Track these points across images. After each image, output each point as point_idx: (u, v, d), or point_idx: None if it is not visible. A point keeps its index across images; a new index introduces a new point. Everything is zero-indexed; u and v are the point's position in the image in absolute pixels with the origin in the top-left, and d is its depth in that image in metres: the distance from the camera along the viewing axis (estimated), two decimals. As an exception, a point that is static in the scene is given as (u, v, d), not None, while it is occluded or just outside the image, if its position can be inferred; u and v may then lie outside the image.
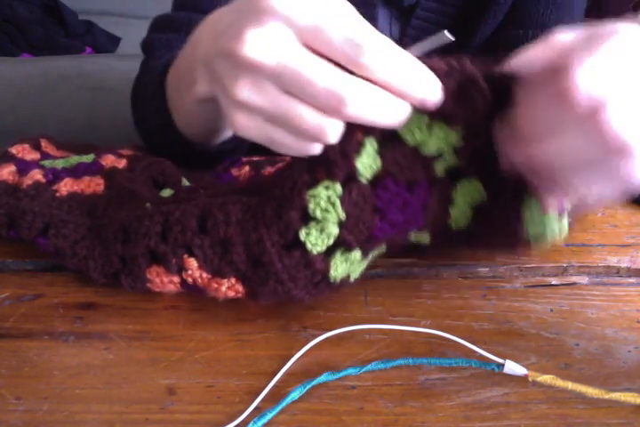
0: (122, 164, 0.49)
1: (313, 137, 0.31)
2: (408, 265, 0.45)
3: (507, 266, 0.46)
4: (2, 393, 0.34)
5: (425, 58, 0.32)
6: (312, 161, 0.35)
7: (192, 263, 0.38)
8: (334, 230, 0.35)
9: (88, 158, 0.49)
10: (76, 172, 0.48)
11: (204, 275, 0.38)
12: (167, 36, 0.61)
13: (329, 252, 0.36)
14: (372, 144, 0.34)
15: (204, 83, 0.38)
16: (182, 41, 0.46)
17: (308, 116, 0.30)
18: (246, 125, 0.32)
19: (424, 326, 0.39)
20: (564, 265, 0.46)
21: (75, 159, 0.49)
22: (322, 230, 0.35)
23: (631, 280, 0.45)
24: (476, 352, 0.36)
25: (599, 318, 0.42)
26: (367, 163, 0.34)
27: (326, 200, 0.35)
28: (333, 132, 0.30)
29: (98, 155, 0.50)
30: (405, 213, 0.36)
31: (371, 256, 0.39)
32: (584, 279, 0.45)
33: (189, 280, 0.38)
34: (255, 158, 0.53)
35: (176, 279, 0.39)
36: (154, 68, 0.56)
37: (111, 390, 0.35)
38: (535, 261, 0.46)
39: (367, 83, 0.29)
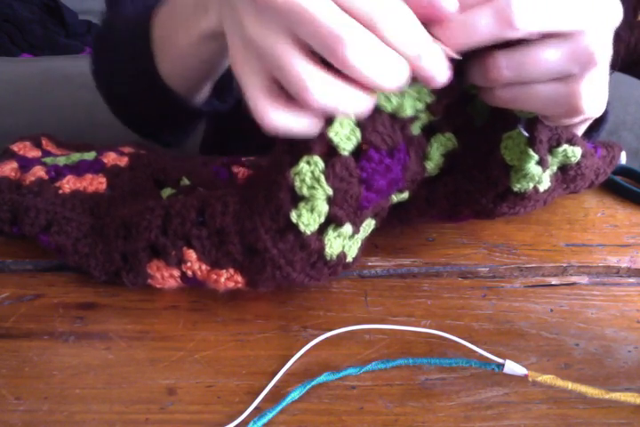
0: (123, 161, 0.49)
1: (298, 89, 0.30)
2: (408, 265, 0.45)
3: (507, 266, 0.46)
4: (2, 393, 0.34)
5: None
6: (289, 140, 0.35)
7: (191, 255, 0.38)
8: (324, 207, 0.35)
9: (90, 155, 0.49)
10: (78, 169, 0.48)
11: (203, 267, 0.38)
12: None
13: (321, 230, 0.36)
14: (348, 115, 0.34)
15: (215, 15, 0.38)
16: None
17: (299, 66, 0.30)
18: (245, 63, 0.32)
19: (424, 326, 0.39)
20: (564, 265, 0.46)
21: (76, 156, 0.49)
22: (312, 209, 0.35)
23: (631, 280, 0.45)
24: (476, 352, 0.36)
25: (599, 318, 0.42)
26: (343, 133, 0.34)
27: (310, 176, 0.34)
28: (318, 88, 0.30)
29: (99, 152, 0.50)
30: (388, 178, 0.36)
31: (362, 231, 0.39)
32: (584, 279, 0.45)
33: (189, 273, 0.39)
34: (252, 158, 0.53)
35: (176, 273, 0.39)
36: (127, 15, 0.54)
37: (111, 390, 0.35)
38: (535, 261, 0.46)
39: (374, 37, 0.29)
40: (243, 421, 0.33)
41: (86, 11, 1.83)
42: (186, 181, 0.47)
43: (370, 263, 0.45)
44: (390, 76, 0.30)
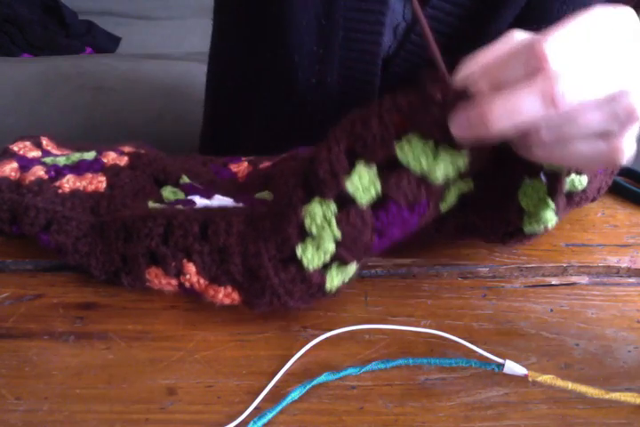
0: (123, 161, 0.49)
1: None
2: (408, 265, 0.45)
3: (507, 266, 0.46)
4: (2, 393, 0.34)
5: (438, 79, 0.32)
6: (306, 177, 0.35)
7: (190, 268, 0.38)
8: (330, 247, 0.35)
9: (90, 155, 0.49)
10: (78, 169, 0.48)
11: (202, 281, 0.38)
12: None
13: (325, 266, 0.36)
14: (368, 167, 0.33)
15: None
16: None
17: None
18: None
19: (424, 326, 0.39)
20: (564, 265, 0.46)
21: (76, 156, 0.49)
22: (318, 247, 0.35)
23: (631, 280, 0.45)
24: (476, 352, 0.36)
25: (599, 318, 0.42)
26: (361, 185, 0.34)
27: (322, 217, 0.34)
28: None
29: (99, 152, 0.50)
30: (404, 228, 0.36)
31: None
32: (584, 279, 0.45)
33: (187, 284, 0.39)
34: (252, 158, 0.53)
35: (174, 282, 0.39)
36: None
37: (111, 390, 0.35)
38: (535, 261, 0.46)
39: None
40: (243, 421, 0.33)
41: (86, 11, 1.83)
42: (186, 179, 0.47)
43: (370, 263, 0.45)
44: None
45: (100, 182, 0.47)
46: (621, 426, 0.34)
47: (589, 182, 0.41)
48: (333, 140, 0.34)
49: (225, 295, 0.38)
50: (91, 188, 0.46)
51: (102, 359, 0.37)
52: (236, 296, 0.38)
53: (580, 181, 0.40)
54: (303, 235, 0.35)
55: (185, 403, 0.34)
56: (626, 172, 0.58)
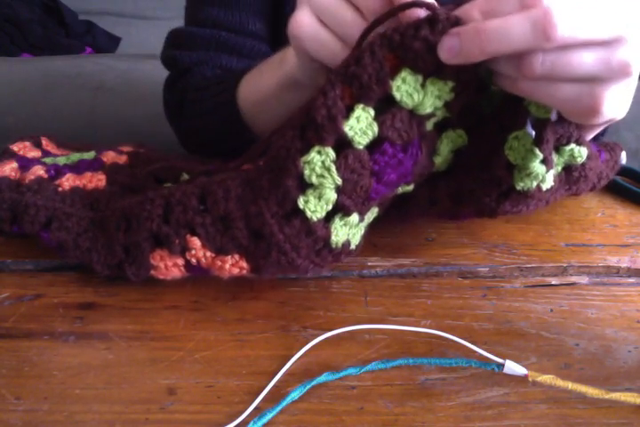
0: (122, 160, 0.49)
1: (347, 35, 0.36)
2: (408, 265, 0.45)
3: (507, 266, 0.46)
4: (2, 393, 0.34)
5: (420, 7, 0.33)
6: (302, 127, 0.35)
7: (195, 242, 0.38)
8: (332, 196, 0.35)
9: (89, 155, 0.50)
10: (77, 168, 0.48)
11: (208, 253, 0.38)
12: (198, 55, 0.65)
13: (328, 217, 0.36)
14: (367, 111, 0.34)
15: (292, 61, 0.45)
16: (216, 59, 0.56)
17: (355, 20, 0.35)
18: (305, 23, 0.38)
19: (424, 326, 0.39)
20: (564, 265, 0.46)
21: (76, 156, 0.49)
22: (320, 197, 0.35)
23: (631, 280, 0.45)
24: (476, 352, 0.36)
25: (599, 318, 0.42)
26: (359, 128, 0.34)
27: (321, 166, 0.35)
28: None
29: (99, 151, 0.50)
30: (399, 172, 0.36)
31: (366, 219, 0.40)
32: (584, 279, 0.45)
33: (193, 261, 0.38)
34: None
35: (180, 261, 0.39)
36: (210, 80, 0.62)
37: (111, 390, 0.35)
38: (535, 261, 0.46)
39: None
40: (243, 421, 0.33)
41: (86, 11, 1.83)
42: (186, 177, 0.47)
43: (370, 263, 0.45)
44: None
45: (99, 180, 0.47)
46: (621, 426, 0.34)
47: (589, 158, 0.41)
48: (329, 85, 0.34)
49: (232, 265, 0.38)
50: (90, 186, 0.46)
51: (102, 359, 0.37)
52: (243, 264, 0.38)
53: (579, 152, 0.40)
54: (303, 186, 0.35)
55: (185, 403, 0.34)
56: (626, 172, 0.58)
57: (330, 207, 0.36)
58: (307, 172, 0.35)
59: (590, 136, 0.41)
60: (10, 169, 0.46)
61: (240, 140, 0.57)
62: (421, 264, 0.46)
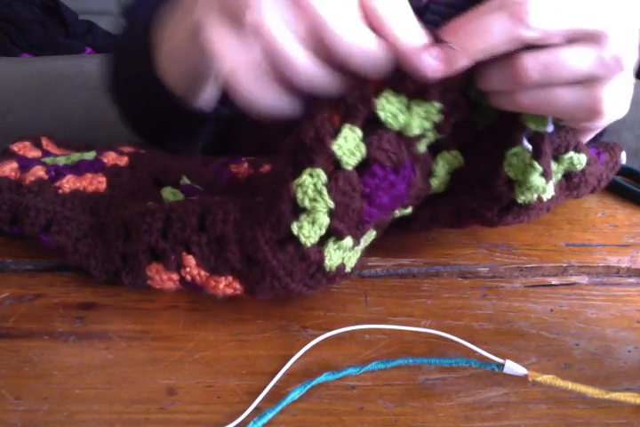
0: (123, 161, 0.49)
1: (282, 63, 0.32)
2: (408, 265, 0.45)
3: (507, 266, 0.46)
4: (2, 393, 0.34)
5: None
6: (293, 151, 0.35)
7: (190, 261, 0.38)
8: (325, 220, 0.35)
9: (89, 155, 0.49)
10: (78, 169, 0.48)
11: (202, 273, 0.38)
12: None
13: (321, 242, 0.36)
14: (354, 131, 0.34)
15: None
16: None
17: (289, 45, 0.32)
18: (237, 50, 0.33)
19: (424, 326, 0.39)
20: (564, 265, 0.46)
21: (76, 156, 0.49)
22: (313, 222, 0.35)
23: (631, 280, 0.45)
24: (476, 352, 0.36)
25: (599, 318, 0.42)
26: (347, 148, 0.34)
27: (313, 188, 0.35)
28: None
29: (99, 152, 0.50)
30: (392, 194, 0.36)
31: (362, 243, 0.40)
32: (584, 279, 0.45)
33: (188, 278, 0.39)
34: (252, 158, 0.53)
35: (175, 277, 0.39)
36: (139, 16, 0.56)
37: (111, 390, 0.35)
38: (535, 261, 0.46)
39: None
40: (243, 421, 0.33)
41: (86, 11, 1.83)
42: (186, 181, 0.47)
43: (370, 263, 0.45)
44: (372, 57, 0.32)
45: (100, 183, 0.47)
46: (621, 426, 0.34)
47: (588, 164, 0.41)
48: (316, 108, 0.35)
49: (226, 285, 0.38)
50: (91, 188, 0.46)
51: (102, 359, 0.37)
52: (237, 285, 0.38)
53: (578, 160, 0.40)
54: (297, 211, 0.35)
55: (185, 403, 0.34)
56: (626, 172, 0.58)
57: (323, 232, 0.36)
58: (299, 195, 0.35)
59: (588, 139, 0.41)
60: (10, 169, 0.46)
61: (161, 103, 0.52)
62: (421, 264, 0.46)
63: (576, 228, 0.51)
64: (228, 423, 0.33)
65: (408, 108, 0.34)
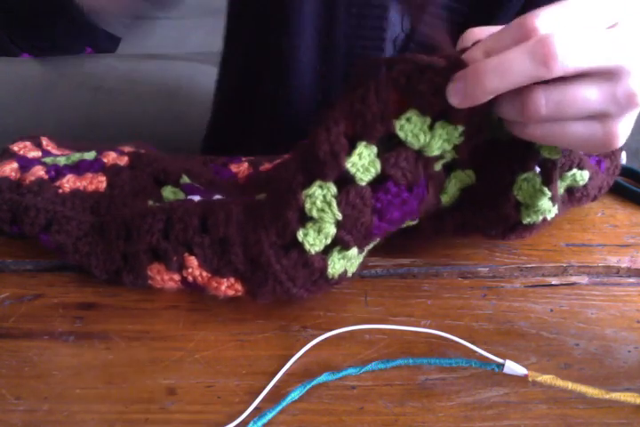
0: (123, 161, 0.49)
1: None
2: (408, 265, 0.45)
3: (507, 266, 0.46)
4: (2, 393, 0.34)
5: (426, 55, 0.33)
6: (305, 161, 0.35)
7: (192, 262, 0.38)
8: (332, 230, 0.35)
9: (90, 155, 0.49)
10: (78, 169, 0.48)
11: (204, 274, 0.38)
12: None
13: (326, 250, 0.36)
14: (369, 148, 0.34)
15: None
16: None
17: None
18: None
19: (424, 326, 0.39)
20: (564, 265, 0.46)
21: (76, 156, 0.49)
22: (319, 231, 0.35)
23: (631, 280, 0.45)
24: (476, 352, 0.36)
25: (599, 318, 0.42)
26: (361, 164, 0.34)
27: (322, 200, 0.35)
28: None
29: (99, 152, 0.50)
30: (403, 211, 0.36)
31: (366, 250, 0.40)
32: (584, 279, 0.45)
33: (189, 278, 0.39)
34: (252, 158, 0.53)
35: (176, 277, 0.39)
36: None
37: (111, 390, 0.35)
38: (535, 261, 0.46)
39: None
40: (243, 421, 0.33)
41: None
42: (186, 180, 0.47)
43: (370, 263, 0.45)
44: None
45: (100, 182, 0.47)
46: (621, 426, 0.34)
47: (590, 179, 0.41)
48: (332, 121, 0.34)
49: (228, 287, 0.38)
50: (91, 187, 0.46)
51: (102, 359, 0.37)
52: (239, 287, 0.38)
53: (581, 176, 0.40)
54: (304, 219, 0.35)
55: (185, 403, 0.34)
56: (626, 172, 0.58)
57: (329, 241, 0.36)
58: (307, 205, 0.35)
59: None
60: (10, 169, 0.46)
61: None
62: (421, 264, 0.46)
63: (576, 228, 0.51)
64: (227, 423, 0.33)
65: (431, 128, 0.34)
